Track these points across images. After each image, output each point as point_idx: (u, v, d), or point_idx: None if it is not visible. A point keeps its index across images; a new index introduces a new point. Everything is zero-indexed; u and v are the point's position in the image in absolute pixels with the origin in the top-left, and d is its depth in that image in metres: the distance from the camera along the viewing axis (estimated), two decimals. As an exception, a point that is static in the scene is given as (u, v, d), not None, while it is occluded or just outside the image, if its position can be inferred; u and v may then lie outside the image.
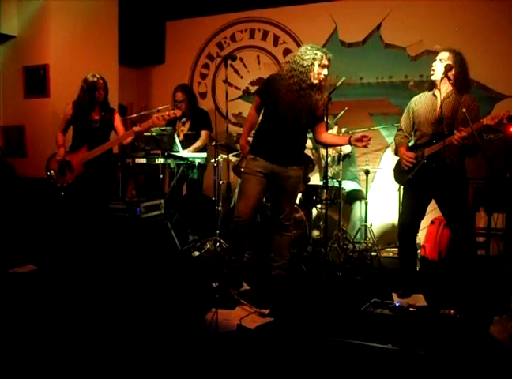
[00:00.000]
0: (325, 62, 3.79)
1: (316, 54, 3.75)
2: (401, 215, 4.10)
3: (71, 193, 4.65)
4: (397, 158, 4.12)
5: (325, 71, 3.81)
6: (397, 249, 5.34)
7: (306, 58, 3.75)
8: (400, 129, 4.11)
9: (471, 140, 3.58)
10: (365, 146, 3.87)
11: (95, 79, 4.61)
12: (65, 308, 3.62)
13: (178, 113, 4.79)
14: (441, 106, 3.78)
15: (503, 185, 4.87)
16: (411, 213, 3.99)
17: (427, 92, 3.95)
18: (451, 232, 4.10)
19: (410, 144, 4.07)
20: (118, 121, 4.83)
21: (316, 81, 3.80)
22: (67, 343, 3.09)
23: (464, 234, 3.83)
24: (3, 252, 4.84)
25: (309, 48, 3.80)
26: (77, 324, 3.34)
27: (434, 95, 3.85)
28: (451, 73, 3.69)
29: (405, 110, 4.08)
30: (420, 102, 3.95)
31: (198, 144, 5.74)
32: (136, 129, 4.65)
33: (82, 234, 4.60)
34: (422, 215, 4.01)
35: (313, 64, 3.74)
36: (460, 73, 3.73)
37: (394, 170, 4.16)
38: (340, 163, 5.09)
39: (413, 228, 4.02)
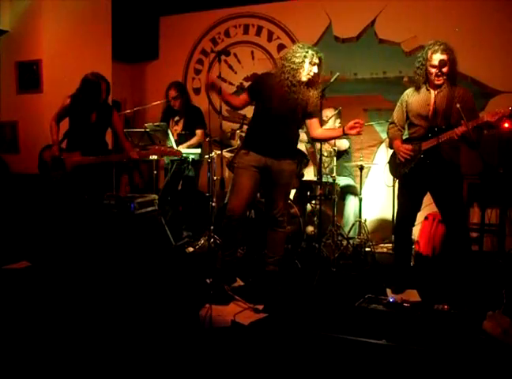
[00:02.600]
0: (316, 61, 3.83)
1: (307, 52, 3.81)
2: (398, 209, 4.08)
3: (62, 188, 4.62)
4: (391, 151, 4.12)
5: (315, 69, 3.84)
6: (391, 245, 5.36)
7: (297, 55, 3.82)
8: (392, 122, 4.10)
9: (474, 135, 3.57)
10: (359, 133, 3.87)
11: (98, 81, 4.54)
12: (59, 304, 3.61)
13: (179, 154, 4.82)
14: (435, 100, 3.77)
15: (497, 180, 4.88)
16: (407, 206, 3.98)
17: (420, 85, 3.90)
18: (445, 226, 4.10)
19: (404, 137, 4.06)
20: (116, 119, 4.74)
21: (306, 78, 3.85)
22: (62, 338, 3.08)
23: (458, 229, 3.83)
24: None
25: (300, 46, 3.88)
26: (71, 321, 3.33)
27: (428, 89, 3.83)
28: (445, 69, 3.68)
29: (398, 103, 4.05)
30: (414, 95, 3.91)
31: (193, 141, 5.74)
32: (134, 155, 4.62)
33: (76, 229, 4.58)
34: (418, 208, 4.00)
35: (303, 61, 3.81)
36: (452, 68, 3.70)
37: (389, 163, 4.15)
38: (334, 158, 5.09)
39: (409, 221, 4.02)
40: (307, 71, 3.83)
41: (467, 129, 3.51)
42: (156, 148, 4.63)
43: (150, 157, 5.33)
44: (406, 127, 4.08)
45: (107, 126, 4.74)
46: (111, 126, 4.75)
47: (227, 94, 4.14)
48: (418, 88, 3.88)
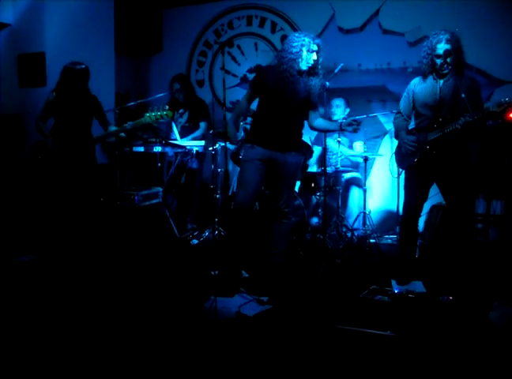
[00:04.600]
0: (314, 47, 3.80)
1: (304, 40, 3.78)
2: (405, 199, 4.03)
3: (59, 180, 4.65)
4: (397, 141, 4.08)
5: (313, 56, 3.81)
6: (395, 236, 5.35)
7: (294, 45, 3.79)
8: (398, 112, 4.06)
9: (479, 125, 3.53)
10: (355, 131, 3.86)
11: (76, 67, 4.60)
12: (63, 296, 3.63)
13: (171, 115, 4.78)
14: (441, 90, 3.73)
15: (502, 171, 4.85)
16: (414, 197, 3.94)
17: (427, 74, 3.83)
18: (451, 217, 4.06)
19: (410, 127, 4.02)
20: (100, 108, 4.83)
21: (305, 67, 3.83)
22: (66, 330, 3.09)
23: (463, 220, 3.80)
24: (3, 241, 4.84)
25: (297, 35, 3.86)
26: (74, 315, 3.34)
27: (434, 79, 3.78)
28: (450, 58, 3.64)
29: (405, 93, 4.01)
30: (420, 84, 3.87)
31: (198, 133, 5.74)
32: (128, 126, 4.64)
33: (81, 222, 4.60)
34: (425, 198, 3.97)
35: (301, 50, 3.78)
36: (458, 57, 3.66)
37: (395, 153, 4.11)
38: (338, 151, 5.09)
39: (416, 212, 3.99)
40: (306, 59, 3.80)
41: (471, 120, 3.48)
42: (148, 115, 4.56)
43: (154, 149, 5.34)
44: (413, 117, 4.05)
45: (93, 115, 4.80)
46: (96, 115, 4.81)
47: (234, 119, 4.15)
48: (424, 78, 3.84)
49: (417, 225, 4.03)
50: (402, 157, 3.98)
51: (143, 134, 5.37)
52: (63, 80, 4.65)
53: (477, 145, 3.89)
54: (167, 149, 5.44)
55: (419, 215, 4.01)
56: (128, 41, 6.98)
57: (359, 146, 5.58)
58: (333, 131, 4.59)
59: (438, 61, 3.66)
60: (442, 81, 3.75)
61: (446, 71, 3.69)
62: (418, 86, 3.88)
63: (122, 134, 4.76)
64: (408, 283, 3.87)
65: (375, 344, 2.93)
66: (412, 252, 4.12)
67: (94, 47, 6.09)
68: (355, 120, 3.81)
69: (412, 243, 4.09)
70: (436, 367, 2.69)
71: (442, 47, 3.62)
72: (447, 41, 3.62)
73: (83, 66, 4.62)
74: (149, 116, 4.56)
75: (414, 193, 3.94)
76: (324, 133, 4.39)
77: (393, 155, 4.17)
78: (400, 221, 4.12)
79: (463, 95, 3.48)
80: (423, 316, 3.30)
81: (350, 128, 3.82)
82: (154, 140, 5.32)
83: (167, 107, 4.62)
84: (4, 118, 5.94)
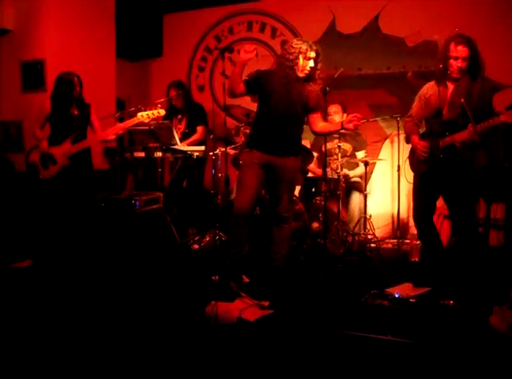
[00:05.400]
0: (311, 55, 3.80)
1: (301, 47, 3.79)
2: (416, 201, 3.98)
3: (55, 185, 4.68)
4: (409, 146, 4.02)
5: (310, 63, 3.82)
6: (396, 241, 5.36)
7: (291, 51, 3.80)
8: (409, 116, 3.99)
9: (480, 136, 3.51)
10: (356, 127, 3.87)
11: (71, 77, 4.65)
12: (65, 302, 3.62)
13: (163, 113, 4.82)
14: (453, 95, 3.67)
15: (503, 175, 4.85)
16: (426, 197, 3.89)
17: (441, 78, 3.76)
18: (452, 222, 4.02)
19: (421, 131, 3.95)
20: (94, 115, 4.87)
21: (301, 74, 3.84)
22: (66, 336, 3.09)
23: (465, 225, 3.78)
24: (2, 247, 4.84)
25: (295, 42, 3.86)
26: (75, 320, 3.34)
27: (448, 83, 3.71)
28: (465, 62, 3.56)
29: (417, 97, 3.94)
30: (433, 88, 3.78)
31: (194, 138, 5.73)
32: (121, 125, 4.70)
33: (80, 227, 4.61)
34: (437, 197, 3.93)
35: (298, 57, 3.78)
36: (474, 61, 3.58)
37: (409, 158, 4.04)
38: (339, 155, 5.09)
39: (430, 210, 3.94)
40: (303, 67, 3.81)
41: (474, 131, 3.46)
42: (140, 114, 4.65)
43: (155, 155, 5.35)
44: (424, 121, 3.98)
45: (87, 123, 4.83)
46: (90, 123, 4.85)
47: (239, 73, 4.02)
48: (438, 81, 3.76)
49: (432, 221, 3.98)
50: (416, 162, 3.92)
51: (143, 140, 5.38)
52: (55, 89, 4.70)
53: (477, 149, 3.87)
54: (168, 154, 5.45)
55: (434, 213, 3.97)
56: (128, 45, 6.99)
57: (361, 155, 5.56)
58: (335, 132, 4.60)
59: (454, 64, 3.59)
60: (455, 86, 3.68)
61: (458, 75, 3.62)
62: (430, 90, 3.81)
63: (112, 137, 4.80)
64: (424, 286, 3.83)
65: (376, 349, 2.93)
66: (437, 249, 4.02)
67: (95, 53, 6.12)
68: (355, 116, 3.80)
69: (435, 239, 4.01)
70: (436, 371, 2.69)
71: (460, 50, 3.55)
72: (466, 44, 3.55)
73: (72, 76, 4.66)
74: (141, 115, 4.67)
75: (426, 194, 3.88)
76: (325, 136, 4.40)
77: (407, 160, 4.10)
78: (415, 224, 4.05)
79: (462, 100, 3.48)
80: (423, 320, 3.29)
81: (351, 125, 3.82)
82: (155, 145, 5.33)
83: (159, 106, 4.70)
84: (4, 125, 5.96)
